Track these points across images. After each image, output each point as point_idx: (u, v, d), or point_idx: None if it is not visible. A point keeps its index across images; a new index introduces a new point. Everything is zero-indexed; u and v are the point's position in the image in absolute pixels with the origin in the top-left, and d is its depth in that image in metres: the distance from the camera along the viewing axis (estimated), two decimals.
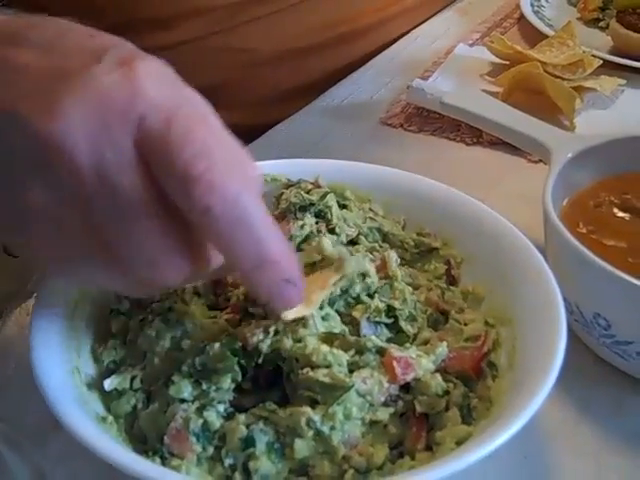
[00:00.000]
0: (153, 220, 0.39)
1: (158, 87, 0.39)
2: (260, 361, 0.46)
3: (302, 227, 0.54)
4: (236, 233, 0.39)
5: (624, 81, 0.88)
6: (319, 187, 0.59)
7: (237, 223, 0.39)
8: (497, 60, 0.96)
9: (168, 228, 0.40)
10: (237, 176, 0.39)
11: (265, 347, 0.46)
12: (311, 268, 0.51)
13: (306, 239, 0.54)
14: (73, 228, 0.39)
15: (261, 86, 0.94)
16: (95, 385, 0.48)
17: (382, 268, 0.53)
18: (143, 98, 0.38)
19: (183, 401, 0.45)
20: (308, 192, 0.58)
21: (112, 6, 0.82)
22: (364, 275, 0.51)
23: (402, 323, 0.50)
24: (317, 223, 0.55)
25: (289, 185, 0.60)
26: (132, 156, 0.38)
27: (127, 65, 0.38)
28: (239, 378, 0.46)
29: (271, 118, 0.88)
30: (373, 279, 0.51)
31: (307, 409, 0.44)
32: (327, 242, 0.51)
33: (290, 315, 0.46)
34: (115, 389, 0.47)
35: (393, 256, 0.54)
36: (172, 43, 0.86)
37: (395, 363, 0.45)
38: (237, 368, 0.46)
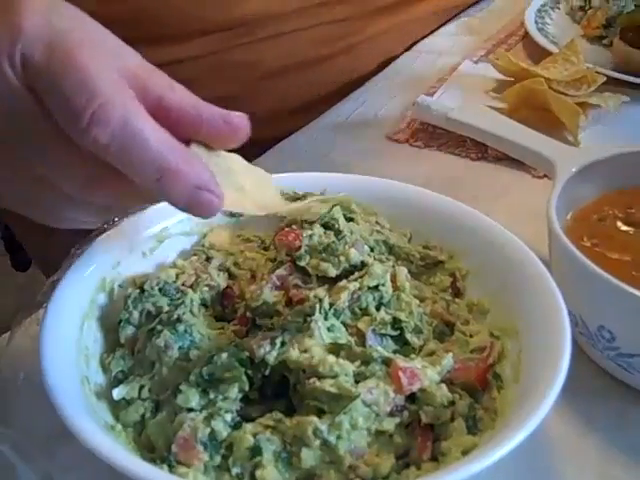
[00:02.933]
0: (64, 147, 0.41)
1: (36, 19, 0.40)
2: (267, 373, 0.47)
3: (311, 237, 0.55)
4: (128, 154, 0.40)
5: (628, 98, 0.88)
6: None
7: (126, 145, 0.40)
8: (502, 77, 0.96)
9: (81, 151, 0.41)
10: (121, 96, 0.40)
11: (272, 359, 0.47)
12: None
13: (321, 251, 0.54)
14: (11, 167, 0.42)
15: (269, 99, 0.94)
16: (104, 394, 0.49)
17: (391, 281, 0.54)
18: (20, 34, 0.40)
19: (191, 410, 0.46)
20: None
21: (136, 21, 0.83)
22: (377, 286, 0.51)
23: (408, 335, 0.51)
24: (325, 233, 0.56)
25: (296, 198, 0.60)
26: (24, 92, 0.40)
27: (9, 8, 0.41)
28: (246, 388, 0.46)
29: (280, 131, 0.88)
30: (387, 289, 0.52)
31: (314, 418, 0.44)
32: (353, 251, 0.53)
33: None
34: (124, 398, 0.48)
35: (404, 270, 0.55)
36: (185, 57, 0.86)
37: (401, 373, 0.46)
38: (244, 378, 0.46)
